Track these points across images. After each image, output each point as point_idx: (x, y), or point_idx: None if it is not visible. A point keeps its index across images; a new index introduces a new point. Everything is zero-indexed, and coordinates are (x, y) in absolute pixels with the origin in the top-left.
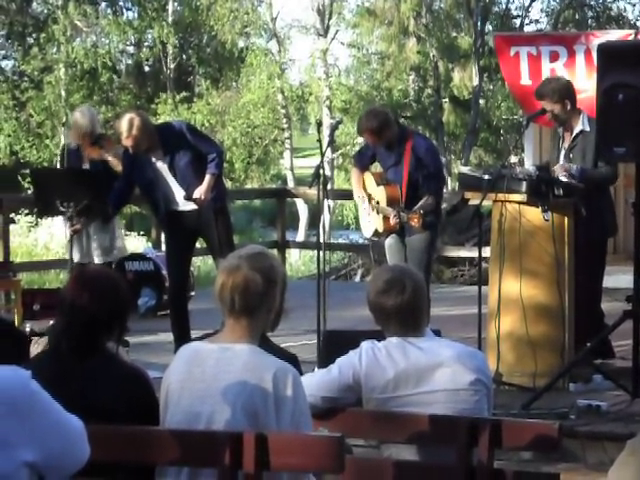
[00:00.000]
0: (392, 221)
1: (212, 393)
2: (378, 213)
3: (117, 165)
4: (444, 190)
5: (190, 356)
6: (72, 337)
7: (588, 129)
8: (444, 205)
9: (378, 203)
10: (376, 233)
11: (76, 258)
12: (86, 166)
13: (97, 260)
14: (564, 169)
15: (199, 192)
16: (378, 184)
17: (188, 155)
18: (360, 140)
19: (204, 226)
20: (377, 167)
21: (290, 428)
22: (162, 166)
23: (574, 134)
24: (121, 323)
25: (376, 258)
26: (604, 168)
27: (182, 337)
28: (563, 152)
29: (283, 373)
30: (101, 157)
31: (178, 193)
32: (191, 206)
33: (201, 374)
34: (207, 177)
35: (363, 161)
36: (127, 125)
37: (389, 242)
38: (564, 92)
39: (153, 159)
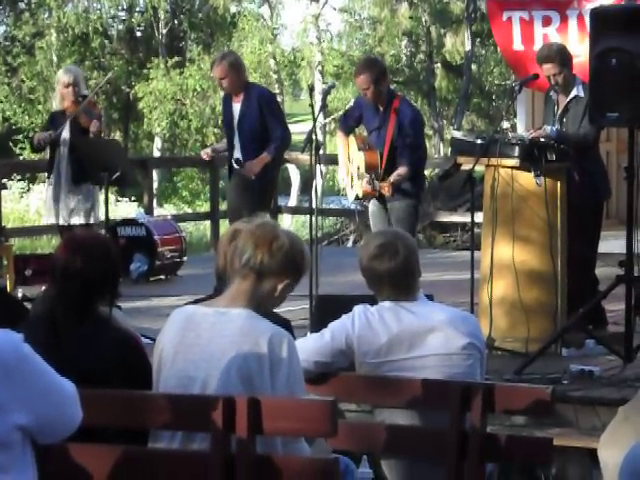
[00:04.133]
0: (364, 187)
1: (207, 357)
2: (359, 179)
3: (88, 123)
4: (424, 161)
5: (184, 320)
6: (66, 302)
7: (582, 95)
8: (436, 170)
9: (358, 169)
10: (357, 198)
11: (53, 220)
12: (66, 127)
13: (76, 221)
14: (538, 133)
15: (250, 166)
16: (359, 149)
17: (255, 121)
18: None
19: (248, 187)
20: (363, 130)
21: (285, 392)
22: (235, 114)
23: (568, 99)
24: (113, 286)
25: (360, 226)
26: (583, 129)
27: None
28: (557, 117)
29: (278, 338)
30: (76, 114)
31: (236, 150)
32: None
33: (196, 338)
34: (264, 155)
35: (348, 123)
36: (227, 66)
37: (372, 209)
38: (569, 55)
39: (233, 104)
